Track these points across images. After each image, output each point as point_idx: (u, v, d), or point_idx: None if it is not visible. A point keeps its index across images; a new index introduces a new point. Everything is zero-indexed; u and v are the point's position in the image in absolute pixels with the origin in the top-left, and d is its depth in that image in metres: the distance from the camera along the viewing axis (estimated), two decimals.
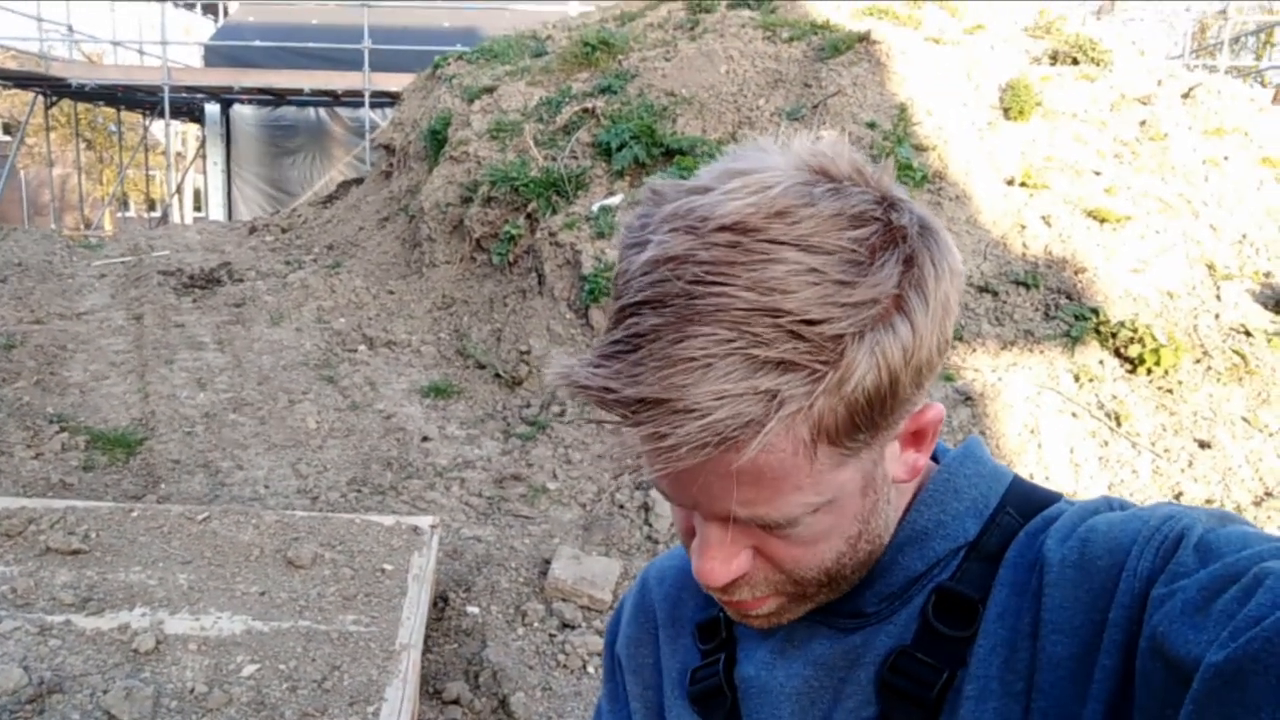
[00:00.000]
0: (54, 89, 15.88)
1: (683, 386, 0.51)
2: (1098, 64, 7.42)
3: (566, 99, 7.62)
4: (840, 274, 0.53)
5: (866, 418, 0.56)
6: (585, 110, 7.35)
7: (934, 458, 0.73)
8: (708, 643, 0.79)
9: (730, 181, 0.55)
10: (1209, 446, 4.87)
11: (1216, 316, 5.59)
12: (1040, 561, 0.62)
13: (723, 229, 0.53)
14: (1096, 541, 0.60)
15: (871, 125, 6.64)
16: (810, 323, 0.51)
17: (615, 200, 6.65)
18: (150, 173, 25.77)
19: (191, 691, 2.79)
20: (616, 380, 0.53)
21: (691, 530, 0.64)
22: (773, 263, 0.52)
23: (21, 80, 16.30)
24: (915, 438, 0.64)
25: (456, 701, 3.46)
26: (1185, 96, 7.24)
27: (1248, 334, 5.42)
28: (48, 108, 16.63)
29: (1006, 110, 6.92)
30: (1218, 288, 5.76)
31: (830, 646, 0.70)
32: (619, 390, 0.53)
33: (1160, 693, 0.52)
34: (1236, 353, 5.30)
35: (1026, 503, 0.68)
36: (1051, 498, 0.69)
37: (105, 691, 2.71)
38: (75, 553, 3.40)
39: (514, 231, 6.84)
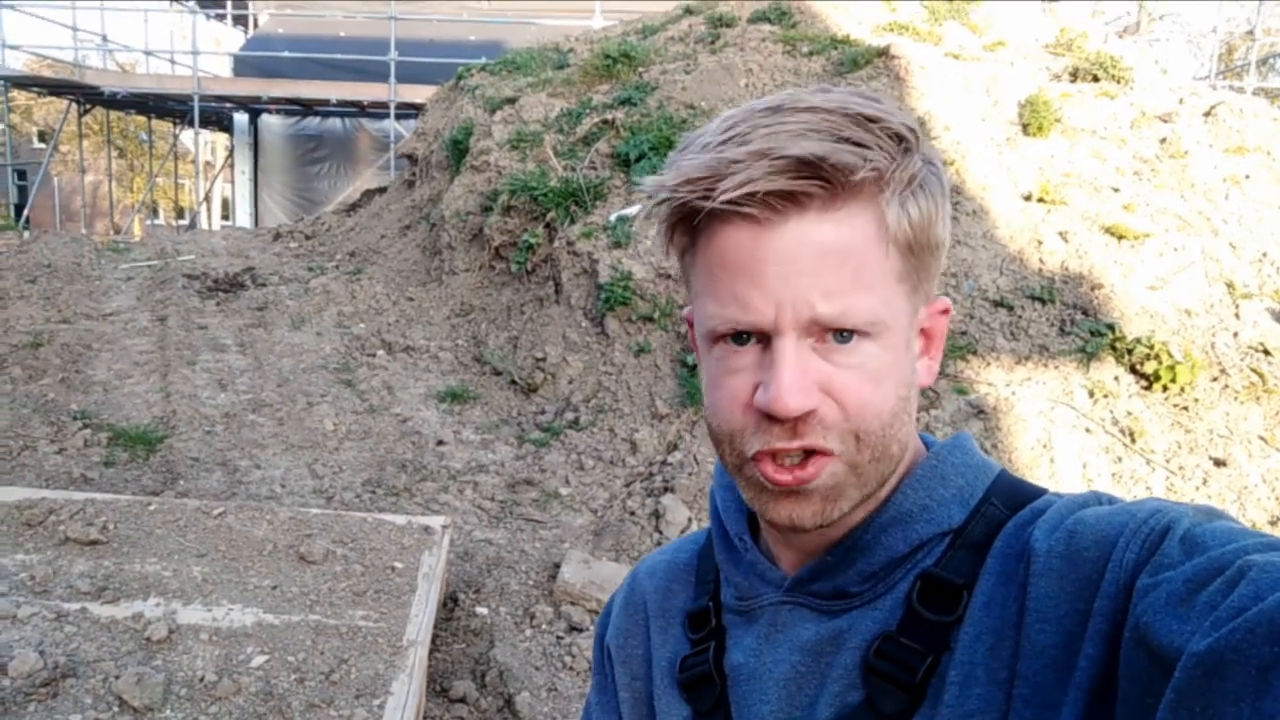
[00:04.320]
0: (87, 97, 16.19)
1: (786, 143, 0.61)
2: (1118, 81, 7.42)
3: (587, 110, 7.70)
4: (869, 114, 0.64)
5: (917, 240, 0.65)
6: (605, 122, 7.42)
7: (925, 446, 0.75)
8: (698, 632, 0.80)
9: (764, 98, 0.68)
10: (1225, 465, 4.83)
11: (1235, 335, 5.55)
12: (1027, 552, 0.63)
13: (771, 104, 0.65)
14: (1084, 533, 0.61)
15: None
16: (873, 119, 0.63)
17: (633, 210, 6.70)
18: (180, 181, 26.17)
19: (201, 680, 2.84)
20: (724, 152, 0.62)
21: (748, 395, 0.65)
22: (819, 106, 0.64)
23: (56, 88, 16.65)
24: (928, 340, 0.72)
25: (463, 700, 3.49)
26: (1207, 115, 7.21)
27: (1266, 353, 5.38)
28: (81, 115, 16.95)
29: (1025, 126, 6.92)
30: (1236, 306, 5.73)
31: (815, 630, 0.71)
32: (729, 155, 0.61)
33: (1143, 682, 0.53)
34: (1255, 371, 5.26)
35: (1013, 495, 0.70)
36: (1038, 491, 0.70)
37: (117, 677, 2.76)
38: (93, 543, 3.47)
39: (532, 240, 6.91)
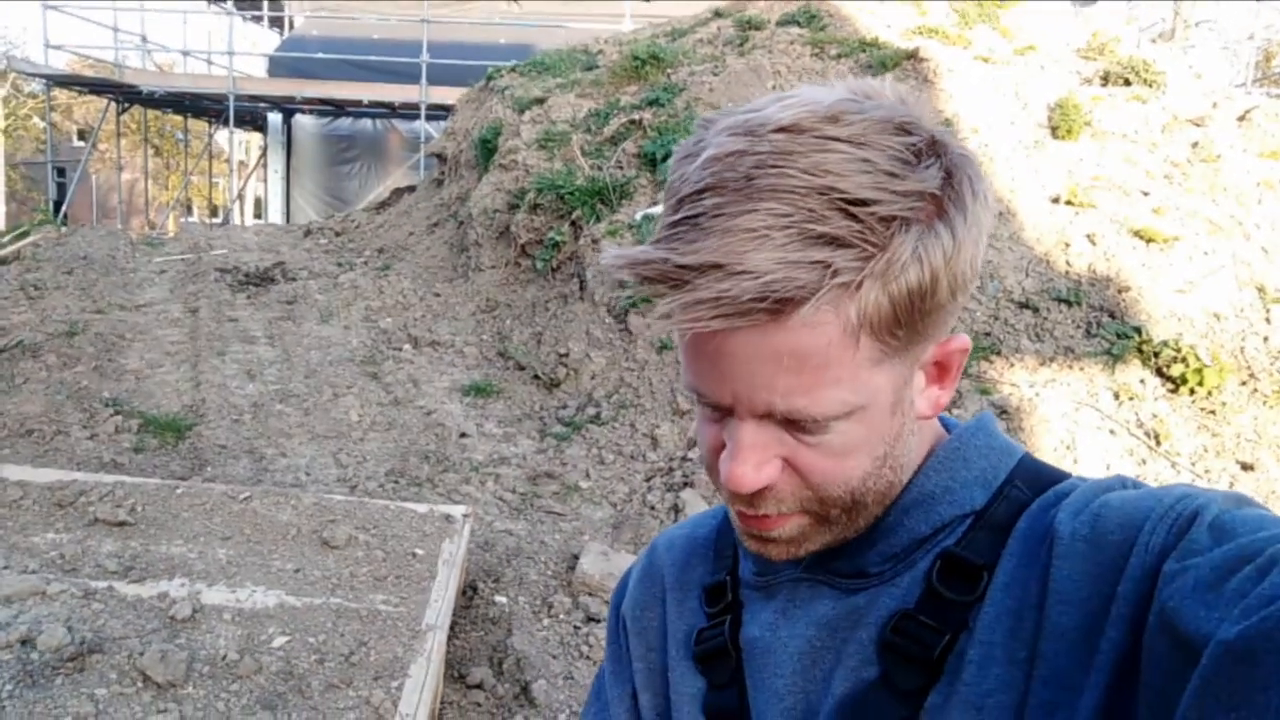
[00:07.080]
0: (126, 96, 16.49)
1: (741, 253, 0.54)
2: (1150, 85, 7.34)
3: (614, 111, 7.74)
4: (889, 166, 0.57)
5: (906, 314, 0.59)
6: (632, 122, 7.46)
7: (946, 428, 0.75)
8: (714, 605, 0.80)
9: (782, 100, 0.60)
10: (1252, 469, 4.77)
11: (1265, 340, 5.48)
12: (1051, 534, 0.62)
13: (779, 130, 0.57)
14: (1109, 516, 0.60)
15: None
16: (862, 203, 0.55)
17: (658, 209, 6.73)
18: (214, 179, 26.56)
19: (224, 658, 2.89)
20: (675, 252, 0.56)
21: (720, 446, 0.64)
22: (827, 152, 0.56)
23: (96, 86, 16.98)
24: (940, 371, 0.67)
25: (480, 686, 3.52)
26: (1241, 119, 7.13)
27: None
28: (119, 114, 17.26)
29: (1055, 129, 6.88)
30: (1267, 310, 5.65)
31: (833, 607, 0.71)
32: (678, 259, 0.56)
33: (1167, 668, 0.52)
34: None
35: (1036, 478, 0.69)
36: (1061, 474, 0.70)
37: (142, 653, 2.82)
38: (121, 524, 3.55)
39: (558, 238, 6.95)
